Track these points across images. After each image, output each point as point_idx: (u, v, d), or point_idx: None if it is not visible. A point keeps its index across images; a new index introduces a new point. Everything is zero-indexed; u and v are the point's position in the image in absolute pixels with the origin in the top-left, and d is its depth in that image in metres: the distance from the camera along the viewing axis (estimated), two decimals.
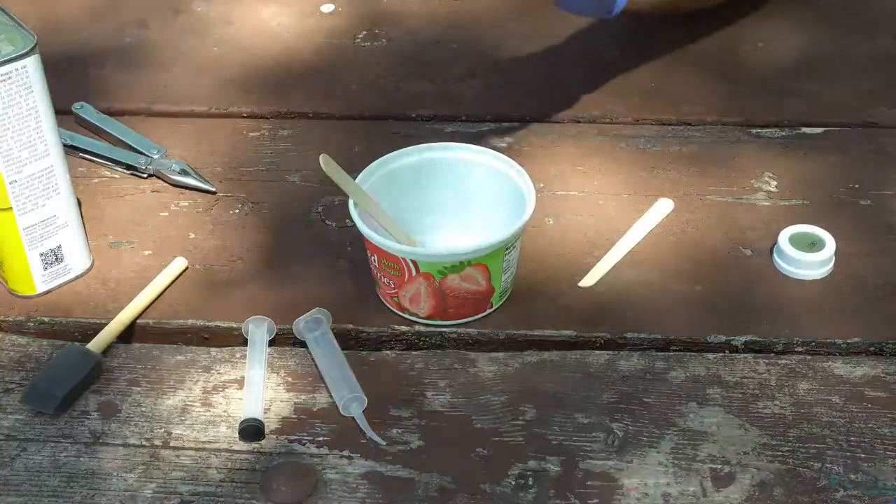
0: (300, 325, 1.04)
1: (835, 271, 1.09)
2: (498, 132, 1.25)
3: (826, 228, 1.11)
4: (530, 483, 0.93)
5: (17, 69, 0.98)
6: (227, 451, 0.96)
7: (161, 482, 0.94)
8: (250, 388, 0.99)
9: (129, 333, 1.05)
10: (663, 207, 1.16)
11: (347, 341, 1.04)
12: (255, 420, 0.96)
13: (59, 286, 1.09)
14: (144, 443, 0.96)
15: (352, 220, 1.03)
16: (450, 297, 1.02)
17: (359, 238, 1.04)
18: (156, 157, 1.22)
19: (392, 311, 1.06)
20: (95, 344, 1.02)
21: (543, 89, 1.31)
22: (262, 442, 0.96)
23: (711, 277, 1.09)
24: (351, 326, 1.05)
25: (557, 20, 1.34)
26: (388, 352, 1.04)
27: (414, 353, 1.04)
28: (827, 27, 1.41)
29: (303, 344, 1.04)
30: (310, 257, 1.12)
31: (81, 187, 1.17)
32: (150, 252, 1.12)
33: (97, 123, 1.26)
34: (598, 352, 1.03)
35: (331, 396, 0.99)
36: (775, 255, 1.10)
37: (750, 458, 0.94)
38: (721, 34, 1.40)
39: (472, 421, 0.98)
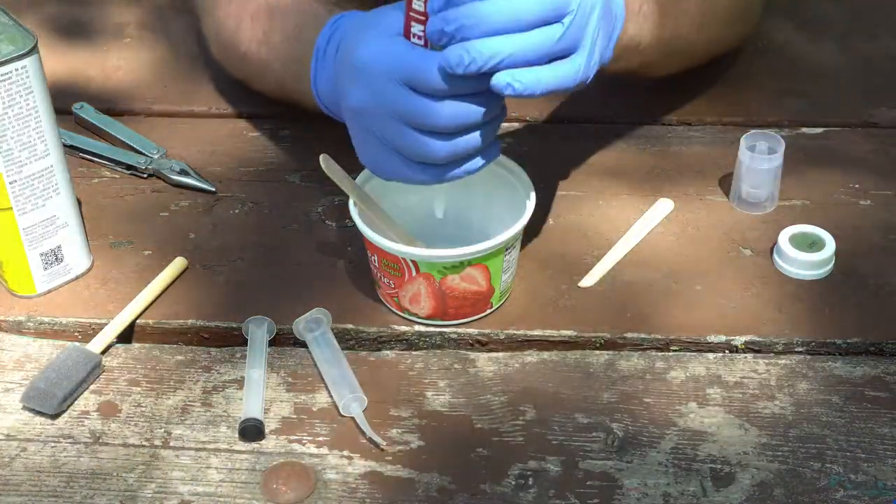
0: (300, 325, 1.04)
1: (835, 271, 1.09)
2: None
3: (826, 228, 1.11)
4: (530, 483, 0.93)
5: (17, 69, 0.98)
6: (227, 451, 0.96)
7: (161, 482, 0.94)
8: (250, 388, 0.99)
9: (129, 333, 1.05)
10: (663, 207, 1.16)
11: (347, 341, 1.04)
12: (255, 420, 0.96)
13: (59, 286, 1.09)
14: (144, 443, 0.97)
15: (352, 220, 1.03)
16: (450, 297, 1.02)
17: (359, 238, 1.04)
18: (156, 157, 1.22)
19: (392, 311, 1.06)
20: (95, 344, 1.03)
21: None
22: (262, 442, 0.96)
23: (711, 277, 1.09)
24: (351, 326, 1.05)
25: None
26: (388, 352, 1.04)
27: (414, 353, 1.04)
28: (827, 27, 1.41)
29: (303, 344, 1.04)
30: (310, 257, 1.12)
31: (81, 187, 1.17)
32: (150, 252, 1.12)
33: (97, 123, 1.26)
34: (598, 352, 1.03)
35: (331, 396, 0.99)
36: (775, 255, 1.10)
37: (750, 458, 0.94)
38: None
39: (472, 421, 0.98)
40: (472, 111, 0.93)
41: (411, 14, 0.92)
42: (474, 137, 0.95)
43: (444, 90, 0.91)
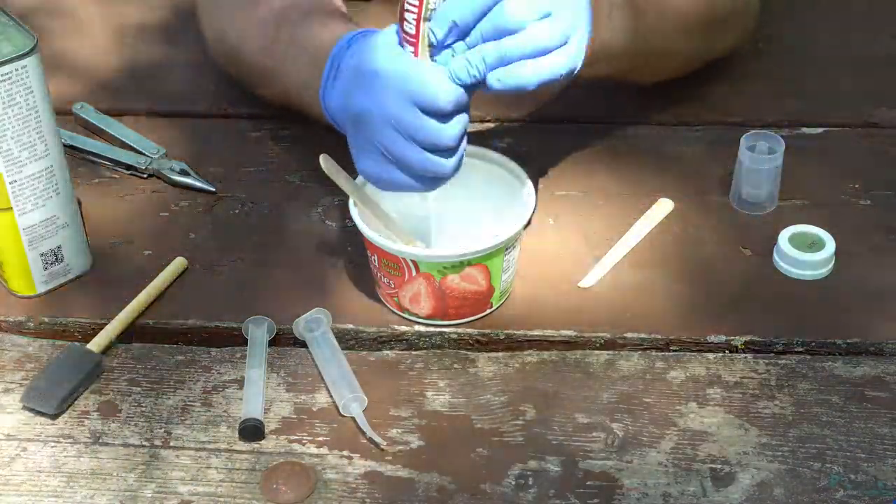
0: (300, 325, 1.04)
1: (835, 271, 1.09)
2: (498, 132, 1.25)
3: (826, 228, 1.11)
4: (530, 483, 0.93)
5: (17, 69, 0.98)
6: (227, 451, 0.96)
7: (161, 482, 0.94)
8: (250, 388, 0.99)
9: (129, 333, 1.05)
10: (663, 207, 1.16)
11: (347, 341, 1.04)
12: (255, 420, 0.96)
13: (59, 286, 1.09)
14: (144, 443, 0.97)
15: (352, 220, 1.03)
16: (450, 297, 1.02)
17: (359, 238, 1.04)
18: (156, 157, 1.22)
19: (392, 311, 1.06)
20: (95, 344, 1.03)
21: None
22: (262, 442, 0.96)
23: (711, 277, 1.09)
24: (351, 326, 1.05)
25: None
26: (388, 352, 1.04)
27: (414, 353, 1.04)
28: (827, 27, 1.41)
29: (303, 344, 1.04)
30: (310, 257, 1.12)
31: (81, 187, 1.17)
32: (150, 252, 1.12)
33: (97, 123, 1.26)
34: (598, 352, 1.03)
35: (331, 396, 0.99)
36: (775, 255, 1.10)
37: (750, 458, 0.94)
38: None
39: (472, 421, 0.98)
40: (465, 122, 0.97)
41: (403, 35, 0.95)
42: (464, 144, 0.98)
43: (452, 110, 0.95)
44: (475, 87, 0.95)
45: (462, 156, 0.98)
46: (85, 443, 0.97)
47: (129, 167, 1.22)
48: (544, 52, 0.94)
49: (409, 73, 0.94)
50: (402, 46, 0.95)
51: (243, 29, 1.19)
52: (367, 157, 0.99)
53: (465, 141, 0.98)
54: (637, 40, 1.08)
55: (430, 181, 0.99)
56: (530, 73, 0.94)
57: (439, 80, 0.94)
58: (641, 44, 1.10)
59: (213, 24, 1.24)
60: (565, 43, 0.95)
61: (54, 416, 0.98)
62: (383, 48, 0.96)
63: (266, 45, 1.16)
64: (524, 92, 0.95)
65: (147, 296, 1.07)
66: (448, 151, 0.96)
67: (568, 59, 0.95)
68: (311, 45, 1.10)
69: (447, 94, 0.93)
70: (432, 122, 0.94)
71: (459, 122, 0.96)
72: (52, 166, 1.04)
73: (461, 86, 0.94)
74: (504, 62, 0.93)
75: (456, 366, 1.02)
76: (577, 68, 0.98)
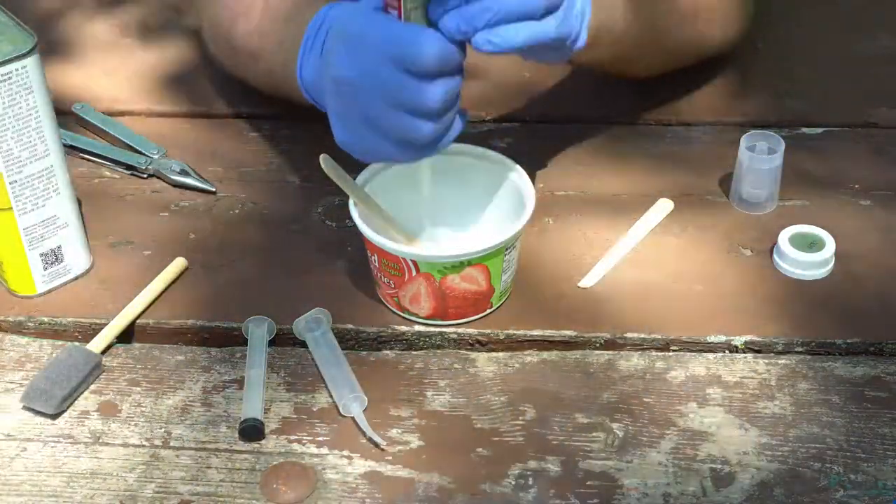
0: (300, 325, 1.04)
1: (835, 271, 1.09)
2: (498, 132, 1.25)
3: (826, 228, 1.11)
4: (530, 483, 0.93)
5: (17, 69, 0.98)
6: (227, 451, 0.96)
7: (161, 482, 0.94)
8: (250, 388, 0.99)
9: (129, 333, 1.05)
10: (663, 207, 1.16)
11: (347, 341, 1.04)
12: (255, 420, 0.96)
13: (59, 286, 1.09)
14: (144, 443, 0.97)
15: (352, 220, 1.03)
16: (450, 297, 1.02)
17: (359, 238, 1.04)
18: (156, 157, 1.22)
19: (392, 311, 1.06)
20: (95, 344, 1.03)
21: (544, 89, 1.31)
22: (262, 442, 0.96)
23: (711, 277, 1.09)
24: (351, 326, 1.05)
25: None
26: (388, 352, 1.04)
27: (414, 353, 1.04)
28: (827, 27, 1.41)
29: (303, 344, 1.04)
30: (310, 257, 1.12)
31: (81, 187, 1.17)
32: (150, 252, 1.12)
33: (97, 123, 1.26)
34: (598, 352, 1.03)
35: (331, 396, 0.99)
36: (775, 255, 1.10)
37: (750, 458, 0.94)
38: None
39: (472, 421, 0.98)
40: (454, 89, 0.95)
41: (386, 1, 0.94)
42: (451, 115, 0.96)
43: (436, 70, 0.92)
44: (464, 46, 0.94)
45: (449, 126, 0.96)
46: (85, 443, 0.97)
47: (129, 167, 1.22)
48: (535, 13, 0.93)
49: (391, 32, 0.93)
50: (387, 13, 0.94)
51: (236, 11, 1.19)
52: (344, 125, 0.97)
53: (455, 110, 0.96)
54: (638, 23, 1.08)
55: (411, 148, 0.96)
56: (515, 31, 0.93)
57: (422, 37, 0.92)
58: (641, 26, 1.09)
59: (209, 9, 1.24)
60: (558, 7, 0.95)
61: (54, 416, 0.98)
62: (365, 11, 0.95)
63: (253, 27, 1.16)
64: (511, 51, 0.94)
65: (147, 296, 1.07)
66: (429, 115, 0.94)
67: (557, 22, 0.95)
68: (298, 21, 1.10)
69: (431, 47, 0.92)
70: (413, 81, 0.92)
71: (443, 85, 0.93)
72: (52, 166, 1.04)
73: (451, 42, 0.93)
74: (495, 19, 0.92)
75: (456, 366, 1.02)
76: (572, 39, 0.98)
